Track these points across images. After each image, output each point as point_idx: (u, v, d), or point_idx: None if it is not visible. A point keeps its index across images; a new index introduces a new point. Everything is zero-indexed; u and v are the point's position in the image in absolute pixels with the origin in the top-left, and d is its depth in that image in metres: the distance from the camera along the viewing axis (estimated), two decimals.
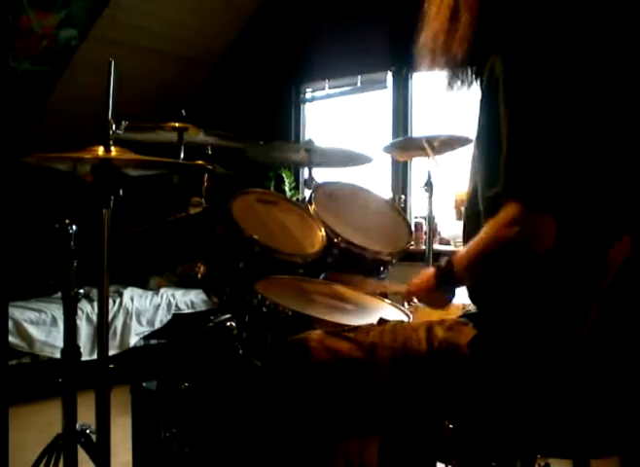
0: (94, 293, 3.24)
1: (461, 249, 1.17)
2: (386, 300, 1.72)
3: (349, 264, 1.80)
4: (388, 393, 1.15)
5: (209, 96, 4.62)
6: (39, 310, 3.44)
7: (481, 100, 1.15)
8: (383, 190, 3.63)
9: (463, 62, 1.21)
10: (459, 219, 1.25)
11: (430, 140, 2.42)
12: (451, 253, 1.20)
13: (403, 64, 3.77)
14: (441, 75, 1.25)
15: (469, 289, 1.23)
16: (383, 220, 2.04)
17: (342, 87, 4.21)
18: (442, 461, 1.18)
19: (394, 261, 1.86)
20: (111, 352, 1.82)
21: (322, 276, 1.78)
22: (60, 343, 1.63)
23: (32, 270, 3.78)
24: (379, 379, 1.16)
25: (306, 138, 2.48)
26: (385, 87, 3.98)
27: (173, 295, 4.03)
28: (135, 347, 3.77)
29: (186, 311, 4.02)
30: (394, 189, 3.85)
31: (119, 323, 3.73)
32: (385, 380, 1.16)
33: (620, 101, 1.07)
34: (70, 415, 1.62)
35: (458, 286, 1.20)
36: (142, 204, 3.03)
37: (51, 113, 4.15)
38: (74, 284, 1.60)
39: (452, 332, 1.17)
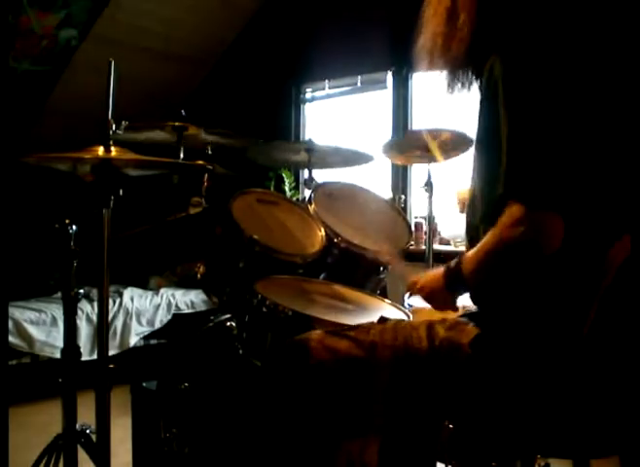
0: (94, 293, 3.24)
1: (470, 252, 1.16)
2: (386, 300, 1.72)
3: (349, 264, 1.80)
4: (389, 392, 1.15)
5: (209, 96, 4.62)
6: (39, 310, 3.44)
7: (481, 101, 1.15)
8: (383, 190, 3.63)
9: (462, 63, 1.21)
10: (462, 212, 1.24)
11: (432, 134, 2.40)
12: (456, 254, 1.20)
13: (403, 64, 3.77)
14: (440, 76, 1.25)
15: (471, 289, 1.22)
16: (383, 220, 2.04)
17: (342, 87, 4.21)
18: (442, 461, 1.18)
19: None
20: (111, 352, 1.82)
21: (322, 276, 1.78)
22: (60, 343, 1.63)
23: (32, 270, 3.78)
24: (380, 379, 1.16)
25: (306, 138, 2.48)
26: (385, 87, 3.98)
27: (173, 295, 4.03)
28: (135, 347, 3.77)
29: (186, 311, 4.02)
30: (394, 189, 3.85)
31: (119, 323, 3.73)
32: (386, 379, 1.15)
33: (619, 100, 1.07)
34: (70, 415, 1.62)
35: (466, 288, 1.20)
36: (142, 204, 3.03)
37: (51, 113, 4.15)
38: (74, 284, 1.60)
39: (454, 331, 1.17)
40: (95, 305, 3.44)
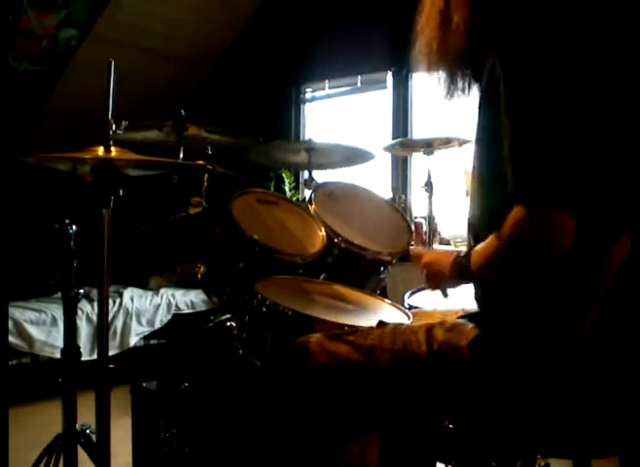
0: (94, 293, 3.23)
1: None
2: (386, 300, 1.72)
3: (349, 264, 1.80)
4: (388, 395, 1.15)
5: (209, 96, 4.62)
6: (39, 310, 3.44)
7: (481, 100, 1.15)
8: (383, 190, 3.63)
9: (460, 65, 1.21)
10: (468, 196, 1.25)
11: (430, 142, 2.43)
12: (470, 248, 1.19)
13: (403, 64, 3.77)
14: (439, 82, 1.25)
15: (475, 288, 1.23)
16: (383, 220, 2.04)
17: (342, 87, 4.21)
18: (442, 461, 1.17)
19: (394, 261, 1.86)
20: (111, 352, 1.82)
21: (322, 276, 1.78)
22: (60, 343, 1.63)
23: (32, 270, 3.78)
24: (379, 382, 1.16)
25: (306, 138, 2.48)
26: (385, 87, 3.98)
27: (173, 295, 4.03)
28: (135, 347, 3.77)
29: (186, 311, 4.02)
30: (394, 189, 3.85)
31: (119, 323, 3.73)
32: (385, 383, 1.15)
33: (620, 99, 1.07)
34: (70, 415, 1.62)
35: (470, 280, 1.20)
36: (142, 204, 3.03)
37: (51, 113, 4.15)
38: (74, 284, 1.60)
39: (452, 333, 1.17)
40: (95, 305, 3.44)
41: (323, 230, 1.80)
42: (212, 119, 2.64)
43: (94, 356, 2.54)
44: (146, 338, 3.87)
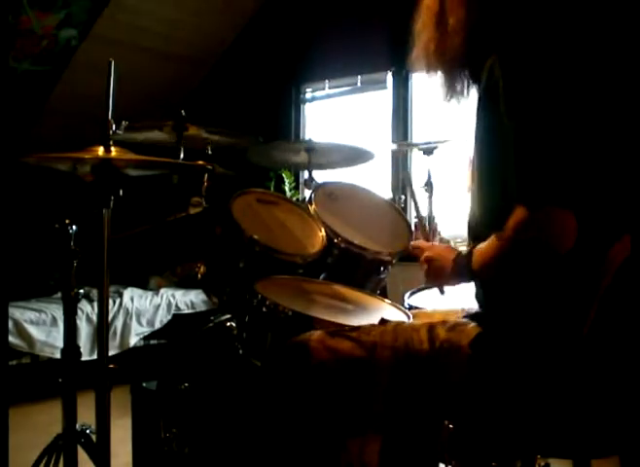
0: (94, 293, 3.23)
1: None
2: (386, 300, 1.72)
3: (349, 264, 1.80)
4: (389, 393, 1.15)
5: (209, 96, 4.62)
6: (39, 310, 3.44)
7: (481, 100, 1.14)
8: (383, 190, 3.63)
9: (458, 66, 1.21)
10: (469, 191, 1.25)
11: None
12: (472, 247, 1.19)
13: (403, 65, 3.74)
14: (438, 85, 1.25)
15: (476, 288, 1.23)
16: (383, 220, 2.04)
17: (342, 87, 4.21)
18: (442, 461, 1.18)
19: (394, 261, 1.86)
20: (111, 352, 1.82)
21: (322, 276, 1.78)
22: (60, 343, 1.63)
23: (32, 270, 3.78)
24: (380, 379, 1.16)
25: (306, 138, 2.48)
26: (385, 87, 3.98)
27: (173, 295, 4.03)
28: (135, 347, 3.77)
29: (186, 311, 4.02)
30: (394, 189, 3.85)
31: (119, 323, 3.73)
32: (386, 380, 1.15)
33: (619, 99, 1.07)
34: (70, 415, 1.62)
35: (470, 279, 1.20)
36: (142, 204, 3.03)
37: (51, 113, 4.15)
38: (74, 284, 1.60)
39: (454, 332, 1.17)
40: (95, 305, 3.44)
41: (323, 230, 1.80)
42: (212, 119, 2.64)
43: (94, 356, 2.54)
44: (146, 338, 3.87)
